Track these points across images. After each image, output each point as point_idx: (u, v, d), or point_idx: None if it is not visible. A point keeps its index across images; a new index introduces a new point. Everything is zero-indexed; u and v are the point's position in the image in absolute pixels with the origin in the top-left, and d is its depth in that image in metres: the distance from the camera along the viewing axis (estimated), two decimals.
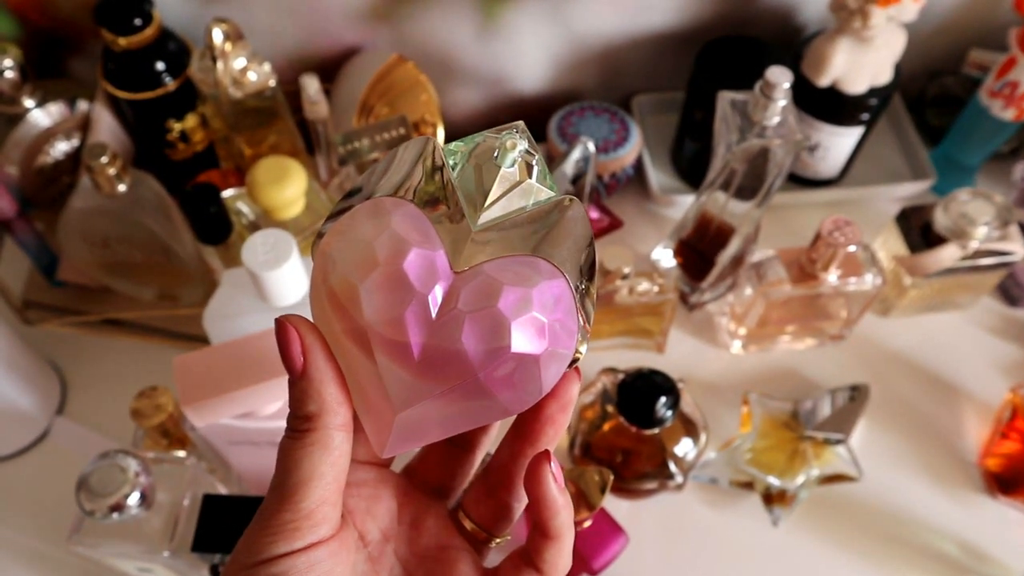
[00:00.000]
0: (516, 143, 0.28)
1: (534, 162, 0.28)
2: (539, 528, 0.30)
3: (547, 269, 0.28)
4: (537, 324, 0.27)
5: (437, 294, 0.27)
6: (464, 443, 0.34)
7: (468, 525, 0.33)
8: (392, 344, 0.27)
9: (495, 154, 0.28)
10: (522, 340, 0.27)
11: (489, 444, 0.35)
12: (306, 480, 0.28)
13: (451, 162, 0.28)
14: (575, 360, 0.29)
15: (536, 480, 0.29)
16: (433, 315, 0.27)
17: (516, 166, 0.28)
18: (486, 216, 0.28)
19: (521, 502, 0.33)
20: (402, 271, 0.27)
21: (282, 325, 0.28)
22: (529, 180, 0.28)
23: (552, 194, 0.29)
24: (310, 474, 0.28)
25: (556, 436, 0.31)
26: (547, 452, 0.30)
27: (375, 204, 0.28)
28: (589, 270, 0.29)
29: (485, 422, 0.30)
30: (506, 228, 0.28)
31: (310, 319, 0.29)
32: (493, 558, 0.33)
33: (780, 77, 0.63)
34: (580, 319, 0.29)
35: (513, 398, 0.28)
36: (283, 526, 0.28)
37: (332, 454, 0.28)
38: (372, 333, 0.27)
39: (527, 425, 0.31)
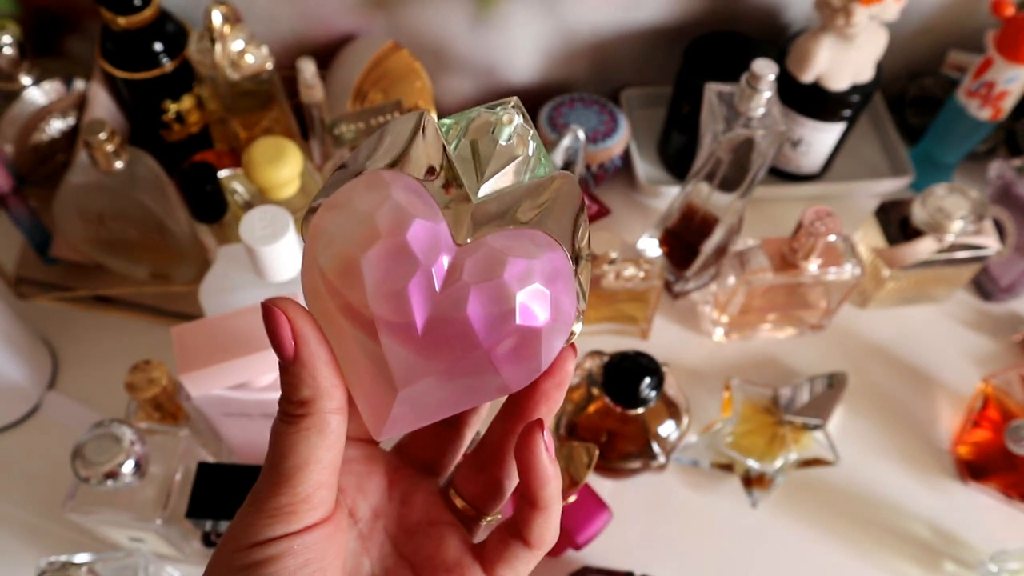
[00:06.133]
0: (513, 117, 0.28)
1: (530, 136, 0.28)
2: (528, 498, 0.29)
3: (546, 241, 0.28)
4: (541, 296, 0.27)
5: (442, 265, 0.26)
6: (454, 421, 0.34)
7: (459, 503, 0.33)
8: (394, 319, 0.26)
9: (492, 129, 0.27)
10: (527, 312, 0.27)
11: (479, 423, 0.34)
12: (303, 465, 0.27)
13: (446, 136, 0.28)
14: (571, 336, 0.29)
15: (528, 448, 0.29)
16: (437, 288, 0.26)
17: (513, 140, 0.28)
18: (485, 189, 0.27)
19: (512, 480, 0.32)
20: (405, 242, 0.26)
21: (268, 310, 0.27)
22: (527, 153, 0.28)
23: (548, 168, 0.28)
24: (306, 459, 0.27)
25: (550, 414, 0.30)
26: (540, 421, 0.29)
27: (373, 176, 0.28)
28: (583, 245, 0.29)
29: (483, 401, 0.29)
30: (505, 201, 0.28)
31: (299, 299, 0.28)
32: (484, 536, 0.33)
33: (765, 69, 0.65)
34: (577, 293, 0.29)
35: (515, 373, 0.28)
36: (279, 509, 0.27)
37: (328, 438, 0.28)
38: (373, 308, 0.26)
39: (522, 402, 0.30)
